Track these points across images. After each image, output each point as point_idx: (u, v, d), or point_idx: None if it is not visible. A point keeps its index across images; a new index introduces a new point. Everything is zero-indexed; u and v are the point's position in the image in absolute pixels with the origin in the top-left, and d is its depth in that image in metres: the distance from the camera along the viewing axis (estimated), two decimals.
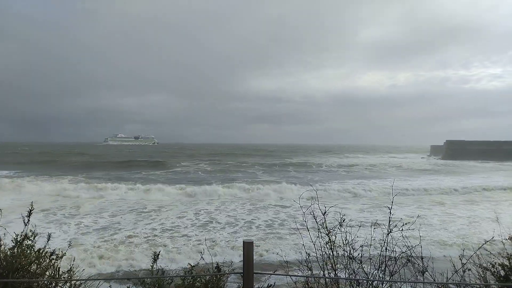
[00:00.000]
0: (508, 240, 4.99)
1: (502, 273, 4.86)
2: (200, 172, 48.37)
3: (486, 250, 5.10)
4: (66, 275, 4.55)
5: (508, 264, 4.87)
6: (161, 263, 4.46)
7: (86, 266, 10.94)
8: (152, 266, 4.41)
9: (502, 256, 5.01)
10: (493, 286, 4.87)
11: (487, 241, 4.93)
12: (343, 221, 5.00)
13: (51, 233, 4.98)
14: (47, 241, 4.63)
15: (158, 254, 4.42)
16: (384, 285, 4.72)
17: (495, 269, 4.90)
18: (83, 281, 4.67)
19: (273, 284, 4.71)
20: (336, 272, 4.82)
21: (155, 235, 15.66)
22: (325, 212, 5.00)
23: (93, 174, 41.96)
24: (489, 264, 4.97)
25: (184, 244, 14.24)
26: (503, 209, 22.64)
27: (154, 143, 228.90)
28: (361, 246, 4.96)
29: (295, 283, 4.94)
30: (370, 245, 5.01)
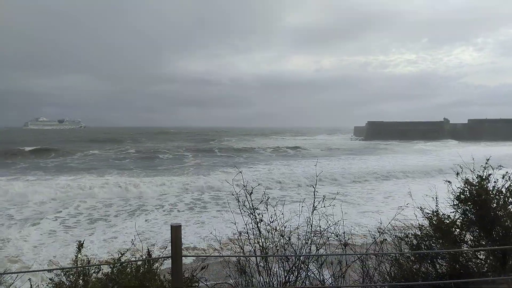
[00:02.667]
0: (419, 211, 5.47)
1: (415, 242, 5.35)
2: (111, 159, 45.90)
3: (401, 221, 5.55)
4: None
5: (419, 234, 5.37)
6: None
7: None
8: (76, 256, 4.22)
9: (414, 227, 5.51)
10: (407, 254, 5.32)
11: (399, 212, 5.37)
12: (268, 199, 5.16)
13: None
14: None
15: (83, 243, 4.23)
16: (310, 259, 4.98)
17: (408, 239, 5.37)
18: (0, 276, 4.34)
19: (206, 265, 4.75)
20: (266, 250, 4.98)
21: None
22: (251, 193, 5.11)
23: None
24: (403, 234, 5.44)
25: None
26: (415, 185, 24.83)
27: (81, 126, 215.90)
28: (286, 221, 5.14)
29: (227, 262, 5.02)
30: (297, 226, 5.23)
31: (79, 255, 4.23)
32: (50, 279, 4.07)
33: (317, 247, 5.06)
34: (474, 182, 5.16)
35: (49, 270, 3.95)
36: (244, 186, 5.07)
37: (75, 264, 4.12)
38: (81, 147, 58.05)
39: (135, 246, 4.42)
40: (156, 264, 4.34)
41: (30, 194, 20.14)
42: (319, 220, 5.13)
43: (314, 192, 5.35)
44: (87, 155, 47.95)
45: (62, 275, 4.04)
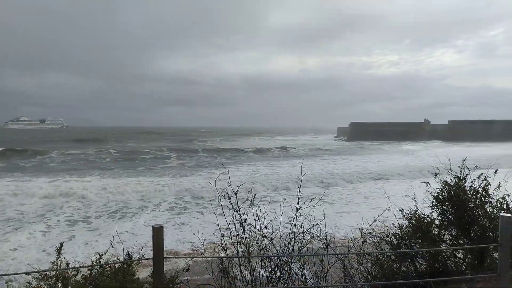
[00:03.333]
0: (399, 212, 5.55)
1: (395, 241, 5.42)
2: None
3: (381, 222, 5.62)
4: None
5: (399, 234, 5.44)
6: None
7: None
8: (56, 258, 4.13)
9: (395, 227, 5.58)
10: (387, 253, 5.39)
11: (380, 214, 5.43)
12: (253, 198, 5.16)
13: None
14: None
15: (62, 245, 4.15)
16: (293, 259, 5.00)
17: (389, 239, 5.45)
18: None
19: (188, 267, 4.72)
20: (249, 250, 4.97)
21: None
22: (236, 192, 5.10)
23: None
24: (384, 234, 5.51)
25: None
26: (396, 186, 25.20)
27: (63, 126, 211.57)
28: (269, 222, 5.15)
29: (210, 263, 5.00)
30: (279, 227, 5.24)
31: (59, 258, 4.14)
32: (28, 283, 3.98)
33: (299, 247, 5.09)
34: (451, 183, 5.26)
35: (27, 273, 3.86)
36: (226, 189, 5.06)
37: (54, 267, 4.04)
38: (62, 147, 56.92)
39: (113, 247, 4.35)
40: (137, 266, 4.29)
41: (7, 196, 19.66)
42: (302, 220, 5.15)
43: (298, 193, 5.38)
44: (67, 155, 46.82)
45: (41, 278, 3.95)
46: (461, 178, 5.22)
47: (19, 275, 3.78)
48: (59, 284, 3.98)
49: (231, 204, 5.04)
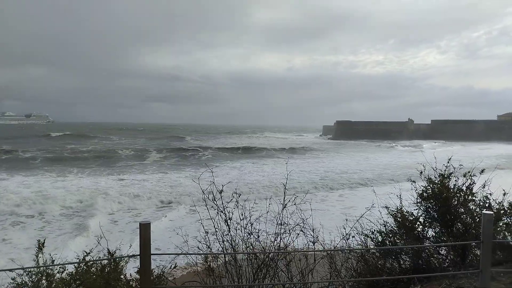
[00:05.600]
0: (384, 209, 5.62)
1: (380, 238, 5.49)
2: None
3: (367, 218, 5.68)
4: None
5: (384, 230, 5.51)
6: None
7: None
8: (37, 255, 4.05)
9: (379, 224, 5.65)
10: (372, 250, 5.46)
11: (366, 211, 5.50)
12: (239, 196, 5.17)
13: None
14: None
15: (44, 242, 4.08)
16: (279, 256, 5.02)
17: (374, 236, 5.51)
18: None
19: (174, 264, 4.70)
20: (235, 248, 4.98)
21: None
22: (221, 191, 5.09)
23: None
24: (369, 231, 5.57)
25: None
26: (381, 184, 25.53)
27: (49, 121, 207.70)
28: (255, 219, 5.16)
29: (195, 262, 4.98)
30: (266, 221, 5.26)
31: (41, 255, 4.07)
32: (12, 279, 3.91)
33: (285, 244, 5.12)
34: (436, 181, 5.35)
35: (11, 270, 3.79)
36: (210, 188, 5.05)
37: (37, 264, 3.97)
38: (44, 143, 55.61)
39: (100, 244, 4.30)
40: (122, 263, 4.25)
41: None
42: (288, 218, 5.18)
43: (284, 190, 5.41)
44: (44, 151, 45.29)
45: (25, 275, 3.89)
46: (445, 176, 5.31)
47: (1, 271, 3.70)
48: (43, 281, 3.92)
49: (215, 202, 5.04)
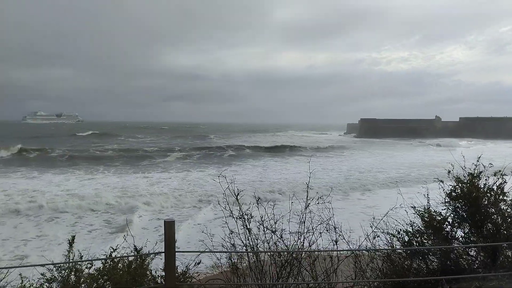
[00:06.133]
0: (411, 209, 5.50)
1: (406, 238, 5.39)
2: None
3: (393, 218, 5.58)
4: None
5: (411, 230, 5.40)
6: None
7: None
8: (68, 251, 4.18)
9: (406, 223, 5.54)
10: (398, 250, 5.36)
11: (391, 209, 5.40)
12: (259, 199, 5.17)
13: None
14: None
15: (74, 238, 4.20)
16: (302, 255, 4.99)
17: (400, 235, 5.41)
18: None
19: (199, 261, 4.74)
20: (258, 246, 4.98)
21: None
22: (237, 194, 5.10)
23: None
24: (395, 231, 5.47)
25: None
26: (409, 183, 25.06)
27: (78, 120, 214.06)
28: (279, 219, 5.15)
29: (219, 259, 5.01)
30: (289, 220, 5.24)
31: (71, 251, 4.19)
32: (42, 274, 4.04)
33: (309, 243, 5.08)
34: (465, 180, 5.20)
35: (42, 265, 3.92)
36: (229, 186, 5.07)
37: (67, 260, 4.09)
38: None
39: (126, 241, 4.39)
40: (148, 260, 4.33)
41: None
42: (312, 217, 5.14)
43: (307, 189, 5.37)
44: (73, 150, 46.57)
45: (54, 270, 4.01)
46: (475, 175, 5.15)
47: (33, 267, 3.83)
48: (72, 276, 4.03)
49: (238, 201, 5.05)
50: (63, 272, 3.99)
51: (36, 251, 11.52)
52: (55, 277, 3.96)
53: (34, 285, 4.09)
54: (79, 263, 4.09)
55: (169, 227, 3.26)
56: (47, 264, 3.88)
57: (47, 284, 4.03)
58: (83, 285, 4.03)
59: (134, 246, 4.44)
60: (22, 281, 4.07)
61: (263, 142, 67.89)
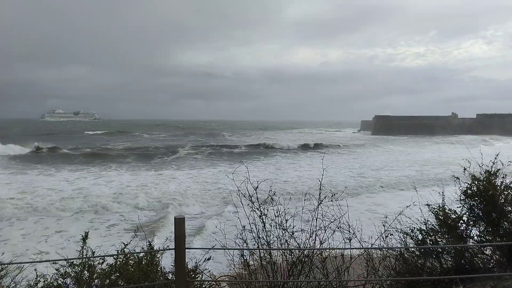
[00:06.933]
0: (425, 206, 5.42)
1: (420, 236, 5.31)
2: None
3: (406, 216, 5.50)
4: None
5: (425, 229, 5.32)
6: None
7: None
8: (82, 247, 4.23)
9: (420, 222, 5.46)
10: (412, 248, 5.28)
11: (406, 207, 5.32)
12: (274, 194, 5.14)
13: None
14: None
15: (87, 234, 4.25)
16: (314, 252, 4.96)
17: (413, 234, 5.33)
18: (5, 266, 4.38)
19: (209, 257, 4.75)
20: (269, 243, 4.97)
21: None
22: (256, 187, 5.08)
23: None
24: (408, 229, 5.40)
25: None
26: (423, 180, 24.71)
27: (95, 118, 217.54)
28: (291, 217, 5.12)
29: (231, 256, 5.02)
30: (301, 218, 5.21)
31: (84, 246, 4.24)
32: (57, 270, 4.10)
33: (321, 241, 5.04)
34: (481, 178, 5.09)
35: (55, 261, 3.97)
36: (243, 184, 5.06)
37: (80, 256, 4.14)
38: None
39: (137, 237, 4.43)
40: (159, 256, 4.36)
41: None
42: (324, 215, 5.10)
43: (320, 187, 5.32)
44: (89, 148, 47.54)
45: (67, 266, 4.06)
46: (492, 173, 5.04)
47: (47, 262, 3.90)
48: (85, 272, 4.08)
49: (251, 199, 5.03)
50: (76, 268, 4.04)
51: (55, 247, 11.76)
52: (68, 273, 4.01)
53: (49, 281, 4.16)
54: (92, 259, 4.14)
55: (179, 223, 3.27)
56: (59, 260, 3.93)
57: (62, 280, 4.09)
58: (96, 280, 4.08)
59: (149, 242, 4.48)
60: (37, 276, 4.15)
61: (278, 139, 67.30)
